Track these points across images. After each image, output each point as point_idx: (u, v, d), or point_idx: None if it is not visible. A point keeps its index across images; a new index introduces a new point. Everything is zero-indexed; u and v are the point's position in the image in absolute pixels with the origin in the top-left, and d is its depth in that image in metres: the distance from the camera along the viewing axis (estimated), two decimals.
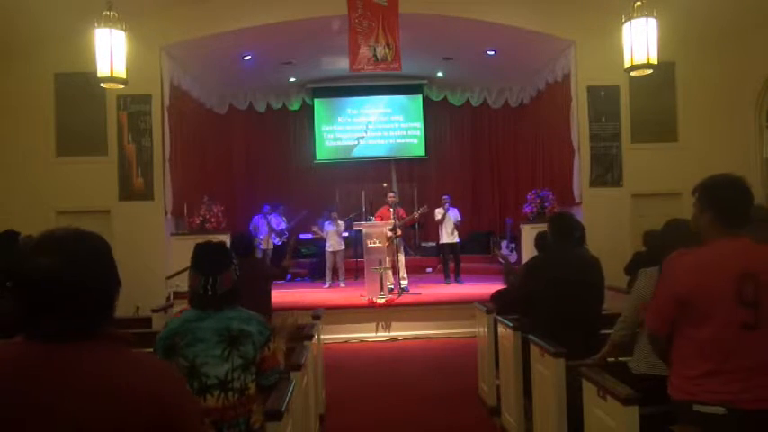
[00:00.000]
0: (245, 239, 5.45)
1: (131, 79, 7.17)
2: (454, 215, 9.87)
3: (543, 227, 4.74)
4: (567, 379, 3.26)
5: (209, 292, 2.36)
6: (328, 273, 10.28)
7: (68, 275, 1.22)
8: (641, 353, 2.95)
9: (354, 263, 10.82)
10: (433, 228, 12.49)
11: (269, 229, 10.87)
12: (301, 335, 4.19)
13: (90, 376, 1.21)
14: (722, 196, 2.20)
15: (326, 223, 10.34)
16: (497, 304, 4.95)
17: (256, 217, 11.00)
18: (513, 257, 10.74)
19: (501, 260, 8.67)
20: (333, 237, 10.21)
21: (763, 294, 2.07)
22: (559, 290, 3.69)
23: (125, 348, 1.29)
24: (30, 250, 1.23)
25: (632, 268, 6.00)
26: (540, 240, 5.13)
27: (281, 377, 2.46)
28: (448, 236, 9.89)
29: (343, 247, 10.30)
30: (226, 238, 8.54)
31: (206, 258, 2.43)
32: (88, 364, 1.22)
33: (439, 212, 9.89)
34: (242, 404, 2.30)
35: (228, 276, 2.42)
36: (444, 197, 10.05)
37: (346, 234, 10.85)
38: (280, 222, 11.22)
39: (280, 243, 11.06)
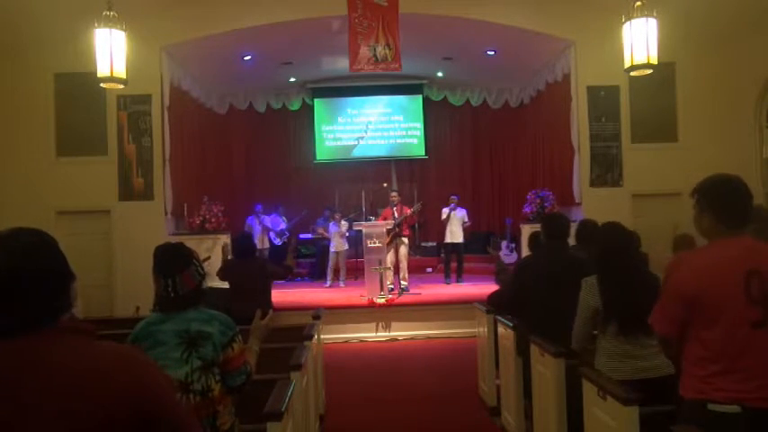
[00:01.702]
0: (246, 240, 5.49)
1: (131, 79, 7.17)
2: (461, 215, 9.82)
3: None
4: (566, 379, 3.27)
5: (171, 294, 2.35)
6: (330, 272, 10.32)
7: (13, 267, 1.24)
8: (600, 358, 2.96)
9: (354, 263, 10.83)
10: (432, 228, 12.51)
11: (262, 228, 10.88)
12: (300, 335, 4.19)
13: (59, 367, 1.21)
14: (721, 196, 2.21)
15: (331, 224, 10.42)
16: (493, 306, 4.96)
17: (250, 217, 10.99)
18: (512, 257, 10.73)
19: (494, 256, 8.62)
20: (336, 237, 10.30)
21: None
22: (547, 289, 3.69)
23: (89, 339, 1.30)
24: None
25: None
26: (531, 241, 5.13)
27: (250, 378, 2.41)
28: (452, 235, 9.85)
29: (346, 247, 10.40)
30: (226, 238, 8.57)
31: (163, 259, 2.41)
32: (54, 356, 1.22)
33: (444, 212, 9.85)
34: (205, 406, 2.26)
35: (189, 276, 2.38)
36: (452, 196, 10.01)
37: (346, 234, 10.87)
38: (279, 222, 11.22)
39: (280, 243, 11.08)
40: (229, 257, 5.38)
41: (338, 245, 10.30)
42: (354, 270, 10.73)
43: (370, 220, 10.04)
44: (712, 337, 2.11)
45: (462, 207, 9.97)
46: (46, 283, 1.27)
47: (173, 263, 2.39)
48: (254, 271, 5.22)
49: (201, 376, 2.27)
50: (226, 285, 5.46)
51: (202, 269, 2.47)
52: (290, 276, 6.44)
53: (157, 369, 1.39)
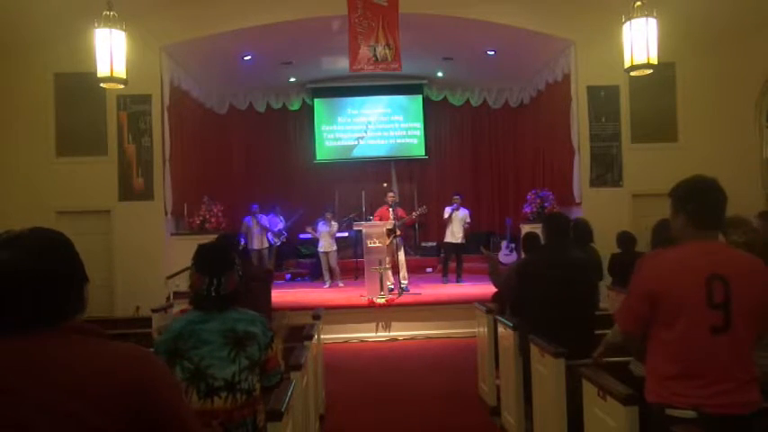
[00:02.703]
0: (229, 241, 5.41)
1: (131, 79, 7.18)
2: (463, 215, 9.76)
3: (540, 227, 4.74)
4: (566, 379, 3.26)
5: (213, 293, 2.35)
6: (325, 273, 10.24)
7: (28, 265, 1.24)
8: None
9: (354, 263, 10.82)
10: (433, 228, 12.51)
11: (261, 228, 10.84)
12: (300, 335, 4.19)
13: (64, 367, 1.21)
14: (694, 198, 2.21)
15: (320, 223, 10.28)
16: (497, 306, 4.96)
17: (247, 218, 10.96)
18: (512, 257, 10.74)
19: (487, 257, 8.62)
20: (325, 237, 10.14)
21: (733, 297, 2.05)
22: (548, 290, 3.69)
23: (97, 339, 1.30)
24: None
25: (611, 270, 6.01)
26: (527, 241, 5.12)
27: (282, 378, 2.46)
28: (452, 235, 9.78)
29: (335, 248, 10.21)
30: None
31: (210, 259, 2.42)
32: (60, 355, 1.23)
33: (447, 211, 9.78)
34: (249, 405, 2.31)
35: (232, 277, 2.41)
36: (456, 196, 9.92)
37: (345, 234, 10.81)
38: (277, 223, 11.20)
39: (278, 243, 11.07)
40: None
41: (326, 245, 10.12)
42: (354, 270, 10.71)
43: (369, 220, 10.01)
44: (672, 338, 2.10)
45: (465, 207, 9.93)
46: (59, 283, 1.28)
47: (221, 263, 2.40)
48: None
49: (248, 376, 2.31)
50: None
51: (241, 271, 2.50)
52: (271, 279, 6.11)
53: (164, 370, 1.39)
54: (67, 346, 1.25)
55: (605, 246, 5.98)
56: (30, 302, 1.24)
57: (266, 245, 10.92)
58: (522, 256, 5.33)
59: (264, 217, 11.02)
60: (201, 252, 2.45)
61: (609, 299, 5.67)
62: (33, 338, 1.23)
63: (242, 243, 9.84)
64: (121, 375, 1.24)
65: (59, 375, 1.20)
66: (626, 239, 5.99)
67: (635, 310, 2.23)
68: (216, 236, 7.00)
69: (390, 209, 9.18)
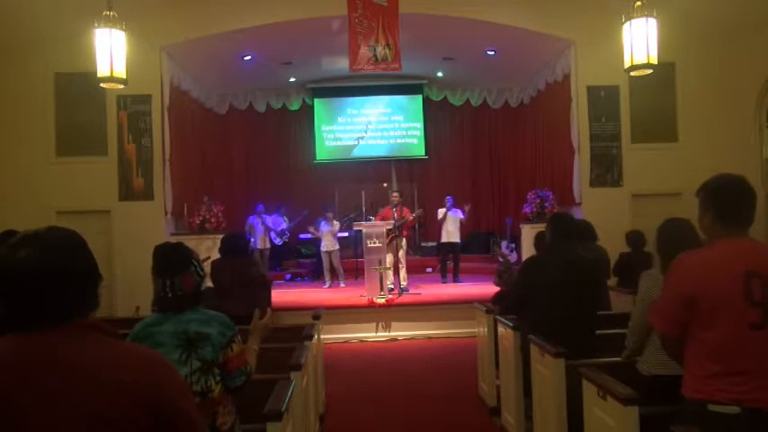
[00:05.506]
0: (236, 239, 5.38)
1: (131, 79, 7.17)
2: (455, 215, 9.91)
3: (543, 227, 4.74)
4: (566, 379, 3.26)
5: (170, 294, 2.33)
6: (326, 273, 10.24)
7: (47, 263, 1.27)
8: (651, 353, 2.91)
9: (354, 263, 10.82)
10: (433, 228, 12.51)
11: (264, 228, 10.87)
12: (300, 335, 4.19)
13: (78, 363, 1.23)
14: (723, 196, 2.21)
15: (322, 223, 10.27)
16: (499, 306, 4.96)
17: (251, 217, 10.99)
18: (513, 257, 10.72)
19: (500, 258, 8.71)
20: (327, 237, 10.12)
21: None
22: (552, 290, 3.69)
23: (110, 337, 1.32)
24: (8, 247, 1.29)
25: (618, 269, 6.01)
26: (538, 240, 5.14)
27: (250, 378, 2.41)
28: (448, 235, 9.95)
29: (337, 247, 10.19)
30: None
31: (163, 259, 2.39)
32: (83, 352, 1.25)
33: (440, 212, 9.97)
34: (204, 407, 2.25)
35: (188, 277, 2.37)
36: (447, 198, 10.12)
37: (346, 234, 10.81)
38: (281, 223, 11.22)
39: (281, 243, 11.08)
40: (211, 258, 5.28)
41: (329, 245, 10.10)
42: (354, 270, 10.71)
43: (369, 220, 10.00)
44: (711, 337, 2.11)
45: (456, 208, 10.03)
46: (76, 281, 1.31)
47: (172, 263, 2.37)
48: (231, 271, 5.08)
49: (201, 377, 2.26)
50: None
51: (202, 270, 2.46)
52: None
53: (177, 373, 1.41)
54: (86, 344, 1.27)
55: (606, 246, 5.98)
56: (49, 300, 1.26)
57: (269, 245, 10.95)
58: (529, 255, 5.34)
59: (269, 217, 11.05)
60: (155, 253, 2.42)
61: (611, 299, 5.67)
62: (52, 335, 1.25)
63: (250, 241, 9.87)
64: (140, 376, 1.26)
65: (81, 373, 1.22)
66: (636, 239, 5.97)
67: (672, 312, 2.22)
68: (222, 235, 6.99)
69: (394, 209, 9.22)
